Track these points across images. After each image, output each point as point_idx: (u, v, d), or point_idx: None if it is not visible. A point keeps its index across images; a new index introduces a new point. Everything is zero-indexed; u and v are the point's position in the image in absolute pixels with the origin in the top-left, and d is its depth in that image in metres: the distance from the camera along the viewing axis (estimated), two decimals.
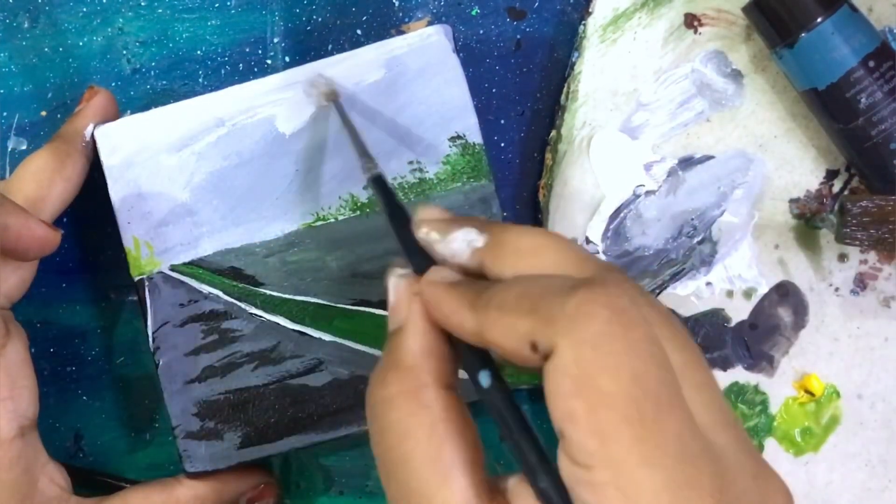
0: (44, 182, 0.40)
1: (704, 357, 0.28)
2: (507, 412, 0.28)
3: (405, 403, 0.28)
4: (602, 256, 0.45)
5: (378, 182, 0.35)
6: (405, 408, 0.28)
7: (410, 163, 0.41)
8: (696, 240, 0.46)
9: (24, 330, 0.39)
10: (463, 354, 0.30)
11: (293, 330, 0.41)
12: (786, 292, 0.46)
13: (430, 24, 0.46)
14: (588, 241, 0.45)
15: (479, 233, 0.30)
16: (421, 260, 0.31)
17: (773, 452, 0.46)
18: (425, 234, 0.31)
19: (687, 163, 0.46)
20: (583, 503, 0.25)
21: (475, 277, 0.30)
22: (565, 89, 0.45)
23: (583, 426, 0.24)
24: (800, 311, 0.46)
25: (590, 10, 0.45)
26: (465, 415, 0.29)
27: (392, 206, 0.34)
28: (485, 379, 0.29)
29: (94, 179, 0.42)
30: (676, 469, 0.24)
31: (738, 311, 0.46)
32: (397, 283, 0.31)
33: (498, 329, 0.27)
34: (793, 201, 0.46)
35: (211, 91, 0.42)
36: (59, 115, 0.46)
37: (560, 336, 0.25)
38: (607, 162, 0.45)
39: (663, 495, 0.24)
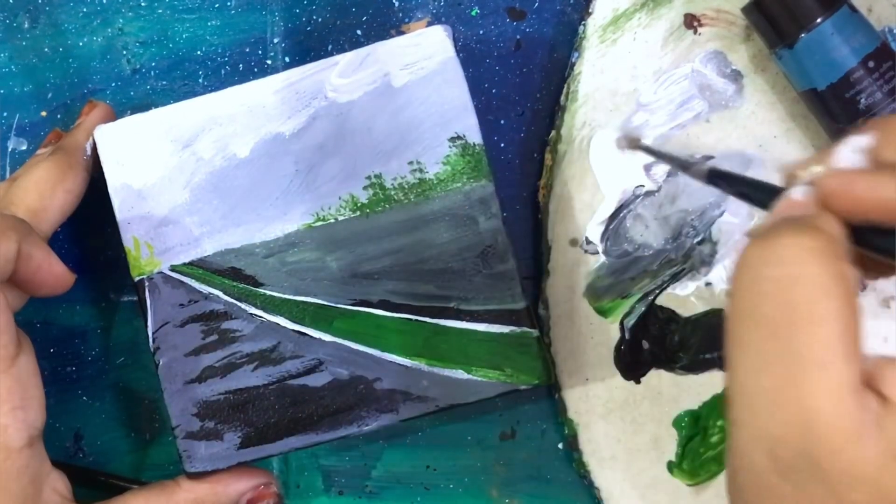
0: (46, 193, 0.40)
1: None
2: None
3: (831, 262, 0.25)
4: (602, 257, 0.46)
5: (717, 175, 0.33)
6: (831, 267, 0.25)
7: (410, 163, 0.41)
8: (696, 240, 0.46)
9: (30, 340, 0.39)
10: (874, 240, 0.27)
11: (293, 330, 0.41)
12: None
13: (430, 24, 0.46)
14: (588, 241, 0.45)
15: (863, 135, 0.28)
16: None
17: None
18: (807, 174, 0.28)
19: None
20: None
21: None
22: (565, 89, 0.45)
23: None
24: None
25: (590, 10, 0.45)
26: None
27: (752, 186, 0.32)
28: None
29: (94, 180, 0.42)
30: None
31: None
32: (803, 188, 0.28)
33: None
34: None
35: (211, 91, 0.42)
36: (58, 116, 0.46)
37: None
38: (607, 162, 0.45)
39: None
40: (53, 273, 0.39)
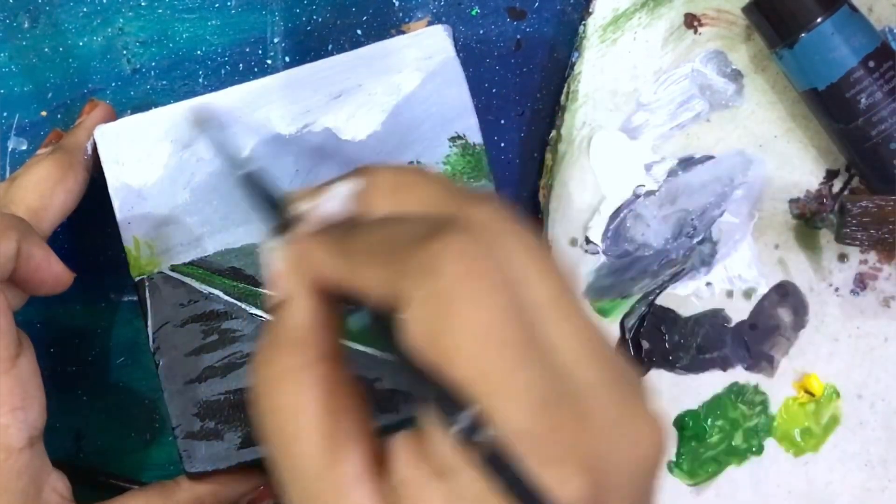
0: (46, 192, 0.40)
1: (572, 283, 0.27)
2: (389, 348, 0.27)
3: (294, 380, 0.28)
4: (602, 257, 0.46)
5: (248, 180, 0.34)
6: (294, 385, 0.28)
7: (410, 163, 0.41)
8: (696, 240, 0.46)
9: (30, 340, 0.39)
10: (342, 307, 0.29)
11: None
12: (786, 292, 0.46)
13: (430, 24, 0.46)
14: (588, 240, 0.45)
15: (351, 180, 0.29)
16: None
17: (773, 452, 0.46)
18: (298, 205, 0.30)
19: (687, 163, 0.46)
20: None
21: None
22: (565, 89, 0.45)
23: (437, 377, 0.25)
24: (800, 311, 0.46)
25: (590, 10, 0.45)
26: (352, 385, 0.28)
27: (265, 198, 0.33)
28: (354, 321, 0.28)
29: (94, 179, 0.42)
30: (533, 417, 0.24)
31: (738, 312, 0.46)
32: (274, 253, 0.30)
33: (360, 278, 0.27)
34: (793, 201, 0.46)
35: (211, 91, 0.42)
36: (58, 116, 0.46)
37: (411, 290, 0.25)
38: (607, 162, 0.45)
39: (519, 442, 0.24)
40: (53, 272, 0.39)
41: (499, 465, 0.24)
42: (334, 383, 0.28)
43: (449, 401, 0.25)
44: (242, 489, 0.42)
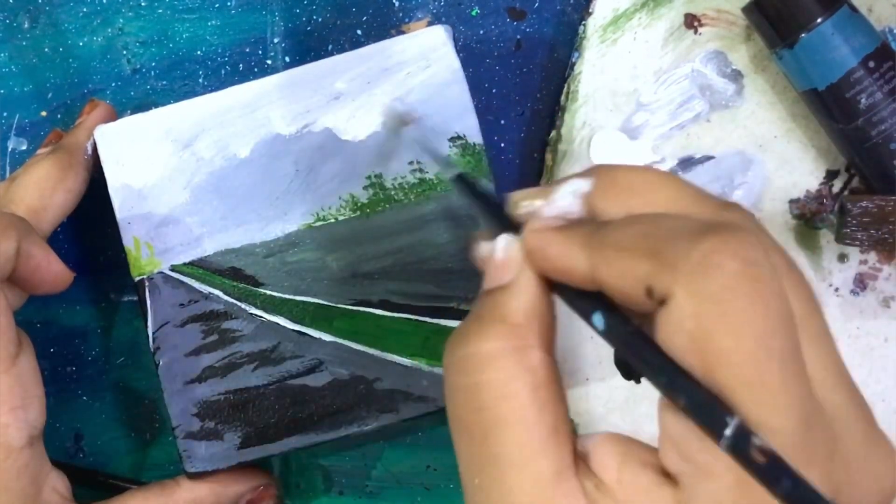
0: (46, 192, 0.40)
1: (820, 305, 0.26)
2: (632, 346, 0.25)
3: (508, 363, 0.26)
4: None
5: (461, 179, 0.34)
6: (508, 367, 0.26)
7: (410, 163, 0.41)
8: None
9: (30, 339, 0.39)
10: (572, 300, 0.27)
11: (293, 330, 0.41)
12: None
13: (430, 24, 0.46)
14: None
15: (584, 179, 0.28)
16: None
17: None
18: (527, 205, 0.29)
19: (687, 163, 0.46)
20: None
21: None
22: (565, 89, 0.45)
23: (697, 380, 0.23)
24: None
25: (590, 10, 0.45)
26: (561, 384, 0.27)
27: (482, 196, 0.32)
28: (598, 321, 0.26)
29: (94, 179, 0.42)
30: (795, 435, 0.23)
31: None
32: (507, 242, 0.28)
33: (613, 269, 0.25)
34: (793, 201, 0.46)
35: (211, 91, 0.42)
36: (58, 116, 0.46)
37: (680, 285, 0.23)
38: (607, 162, 0.45)
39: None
40: (52, 271, 0.39)
41: (776, 472, 0.22)
42: (547, 375, 0.26)
43: (708, 405, 0.23)
44: (241, 489, 0.42)
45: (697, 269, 0.23)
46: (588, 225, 0.27)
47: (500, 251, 0.28)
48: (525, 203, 0.29)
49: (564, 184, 0.28)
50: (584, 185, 0.28)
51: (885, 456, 0.25)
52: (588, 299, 0.27)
